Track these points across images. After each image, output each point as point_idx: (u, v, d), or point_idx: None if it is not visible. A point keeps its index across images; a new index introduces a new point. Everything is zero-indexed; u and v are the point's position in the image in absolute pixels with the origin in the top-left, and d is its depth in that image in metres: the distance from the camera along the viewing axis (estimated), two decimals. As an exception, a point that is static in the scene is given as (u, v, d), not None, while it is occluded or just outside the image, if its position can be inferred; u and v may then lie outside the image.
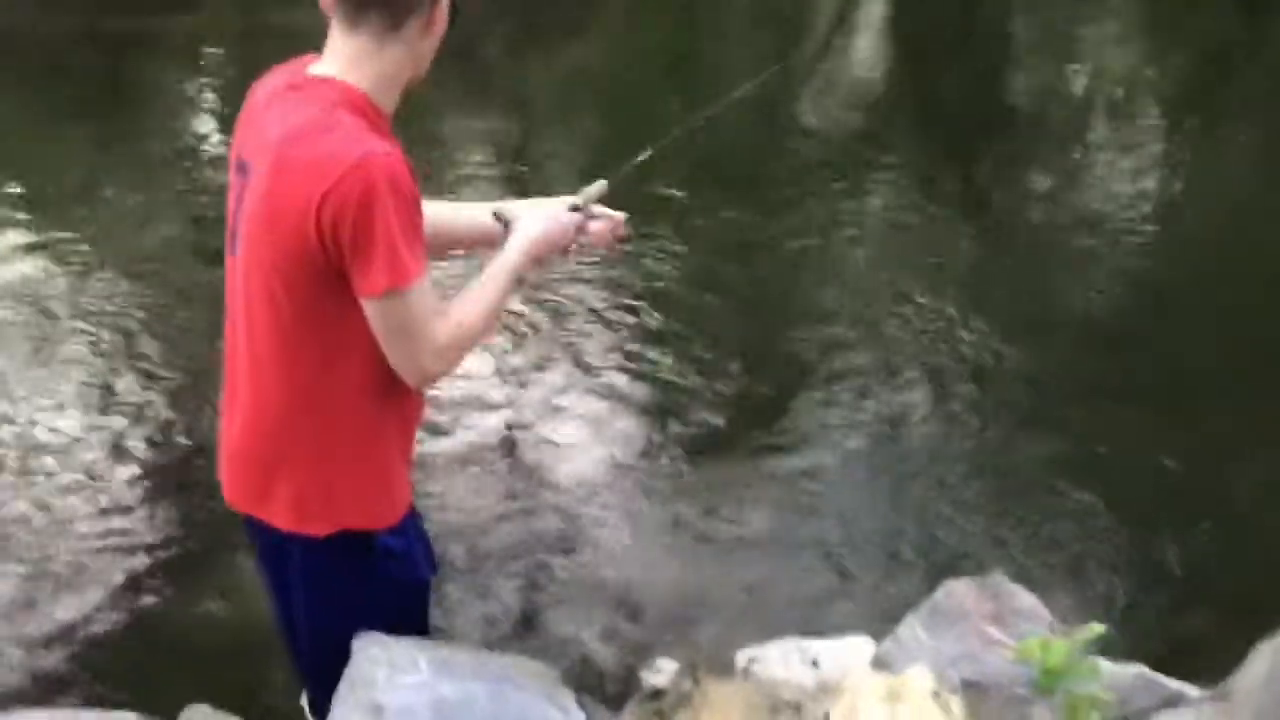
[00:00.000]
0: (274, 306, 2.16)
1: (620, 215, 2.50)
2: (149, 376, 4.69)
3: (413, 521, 2.42)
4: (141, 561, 3.85)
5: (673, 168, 5.74)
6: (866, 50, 8.80)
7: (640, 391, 4.68)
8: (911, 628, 2.51)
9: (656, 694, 2.46)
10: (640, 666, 2.53)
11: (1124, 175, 6.62)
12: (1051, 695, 2.08)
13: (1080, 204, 6.30)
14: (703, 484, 4.23)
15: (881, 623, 2.71)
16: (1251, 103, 7.40)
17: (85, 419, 4.47)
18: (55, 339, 4.92)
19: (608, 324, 5.06)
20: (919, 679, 2.24)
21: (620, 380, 4.74)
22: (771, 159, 6.51)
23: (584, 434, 4.47)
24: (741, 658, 2.55)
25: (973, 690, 2.31)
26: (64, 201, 6.02)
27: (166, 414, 4.49)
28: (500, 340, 4.82)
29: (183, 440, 4.37)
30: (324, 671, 2.39)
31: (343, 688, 2.27)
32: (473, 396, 4.56)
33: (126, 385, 4.64)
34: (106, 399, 4.57)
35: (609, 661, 3.52)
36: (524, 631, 3.66)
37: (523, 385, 4.69)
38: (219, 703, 2.80)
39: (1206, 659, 2.68)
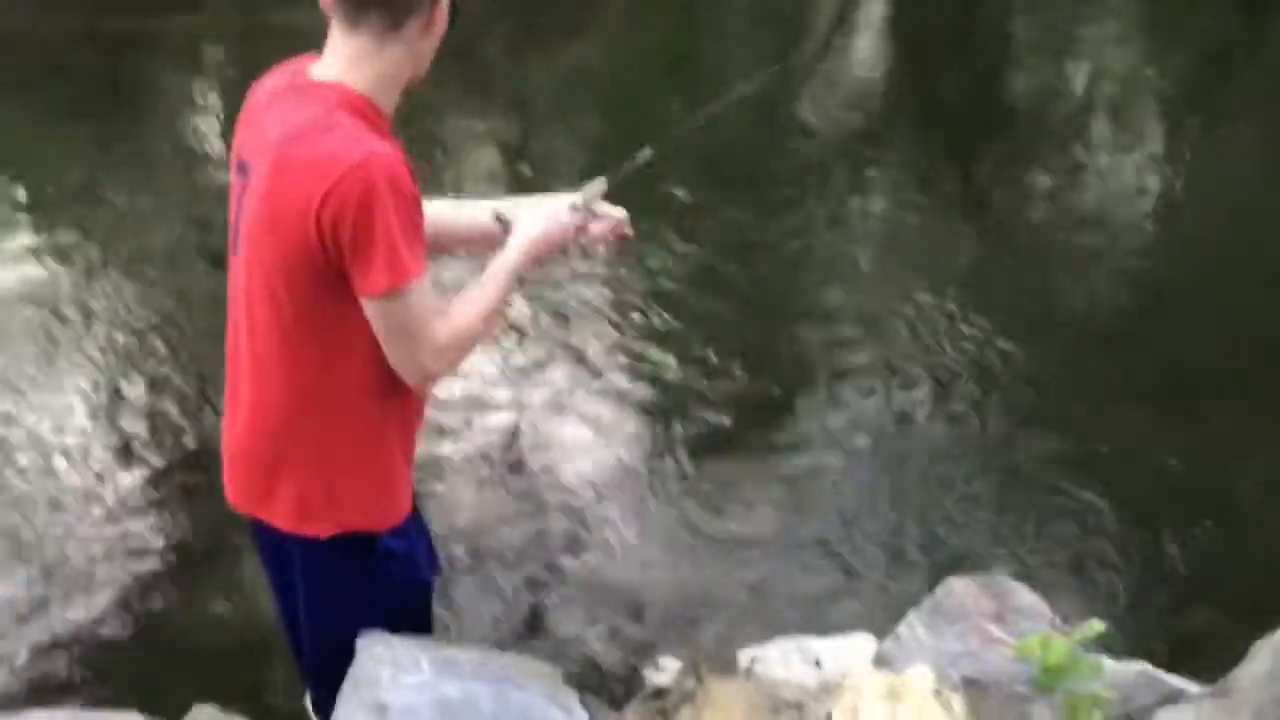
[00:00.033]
0: (275, 306, 2.17)
1: (621, 214, 2.48)
2: (152, 378, 4.68)
3: (415, 522, 2.42)
4: (146, 563, 3.86)
5: (673, 167, 5.74)
6: (866, 50, 8.78)
7: (643, 391, 4.68)
8: (912, 626, 2.52)
9: (659, 693, 2.46)
10: (643, 665, 2.54)
11: (1124, 175, 6.61)
12: (1052, 693, 2.09)
13: (1080, 204, 6.29)
14: (705, 483, 4.23)
15: (883, 621, 2.71)
16: (1251, 103, 7.38)
17: (89, 420, 4.46)
18: (58, 339, 4.92)
19: (610, 323, 5.06)
20: (920, 677, 2.25)
21: (623, 380, 4.74)
22: (772, 159, 6.50)
23: (587, 434, 4.47)
24: (744, 657, 2.56)
25: (974, 688, 2.32)
26: (64, 202, 6.01)
27: (171, 415, 4.49)
28: (503, 340, 4.82)
29: (186, 441, 4.37)
30: (327, 671, 2.39)
31: (347, 687, 2.28)
32: (476, 397, 4.56)
33: (130, 386, 4.63)
34: (110, 400, 4.56)
35: (612, 661, 3.53)
36: (528, 631, 3.67)
37: (526, 385, 4.69)
38: (223, 703, 2.81)
39: (1207, 656, 2.69)
